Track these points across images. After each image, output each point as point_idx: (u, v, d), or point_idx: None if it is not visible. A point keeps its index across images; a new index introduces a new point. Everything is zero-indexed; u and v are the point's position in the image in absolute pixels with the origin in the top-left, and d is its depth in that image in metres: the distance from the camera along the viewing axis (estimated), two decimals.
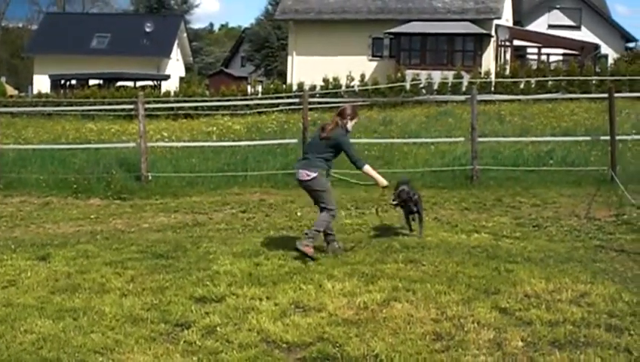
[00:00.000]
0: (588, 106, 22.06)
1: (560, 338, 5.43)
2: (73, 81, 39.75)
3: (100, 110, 24.29)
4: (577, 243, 8.72)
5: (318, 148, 8.16)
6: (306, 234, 7.93)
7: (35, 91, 41.42)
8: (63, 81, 40.21)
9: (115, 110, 24.05)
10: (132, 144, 15.43)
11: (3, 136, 16.60)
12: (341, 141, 8.09)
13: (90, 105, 24.62)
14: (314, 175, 8.03)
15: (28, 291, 6.88)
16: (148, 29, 49.11)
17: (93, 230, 10.08)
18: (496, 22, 34.66)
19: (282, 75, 40.61)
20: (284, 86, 31.26)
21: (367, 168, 8.22)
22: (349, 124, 8.19)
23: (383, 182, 8.24)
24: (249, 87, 36.33)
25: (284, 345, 5.42)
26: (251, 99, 26.28)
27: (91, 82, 38.35)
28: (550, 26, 40.75)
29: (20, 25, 73.15)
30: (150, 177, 13.95)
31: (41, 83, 43.02)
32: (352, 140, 15.79)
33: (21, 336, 5.65)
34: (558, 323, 5.72)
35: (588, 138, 15.02)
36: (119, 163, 14.55)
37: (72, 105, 24.71)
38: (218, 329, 5.71)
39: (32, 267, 7.77)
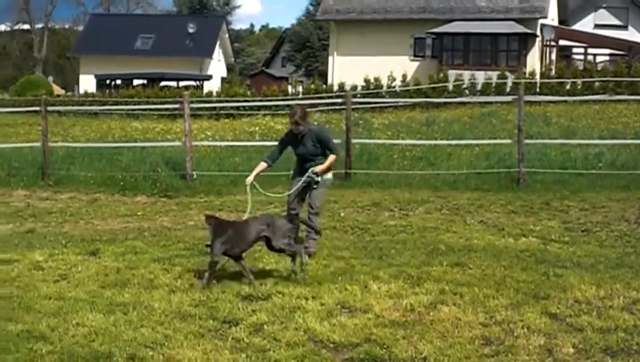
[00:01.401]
0: (637, 108, 21.63)
1: (612, 345, 5.34)
2: (118, 81, 40.27)
3: (145, 109, 24.57)
4: (628, 248, 8.57)
5: None
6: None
7: (81, 91, 42.08)
8: (108, 81, 40.78)
9: (159, 109, 24.29)
10: (177, 143, 15.60)
11: (52, 134, 16.89)
12: None
13: (134, 104, 24.92)
14: None
15: (79, 285, 7.01)
16: (191, 30, 49.54)
17: (141, 227, 10.21)
18: (541, 21, 34.23)
19: (323, 76, 40.63)
20: (324, 86, 31.26)
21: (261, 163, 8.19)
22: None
23: (248, 179, 7.98)
24: (290, 88, 36.44)
25: (331, 345, 5.42)
26: (292, 100, 26.32)
27: (135, 82, 38.84)
28: (596, 26, 40.09)
29: (67, 26, 74.43)
30: (195, 176, 14.09)
31: (87, 83, 43.68)
32: (395, 141, 15.99)
33: (73, 329, 5.75)
34: (610, 330, 5.62)
35: (638, 141, 14.74)
36: (165, 161, 14.76)
37: (117, 105, 25.02)
38: (265, 327, 5.74)
39: (82, 262, 7.92)
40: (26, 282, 7.12)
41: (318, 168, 8.08)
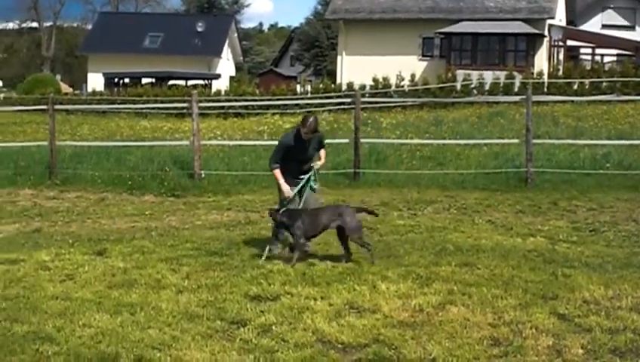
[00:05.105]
0: None
1: (621, 346, 5.31)
2: (126, 80, 40.32)
3: (153, 108, 24.58)
4: (636, 248, 8.54)
5: None
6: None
7: (89, 89, 42.14)
8: (116, 80, 40.82)
9: (167, 108, 24.29)
10: (185, 142, 15.59)
11: (59, 133, 16.92)
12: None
13: (143, 103, 24.92)
14: None
15: (86, 285, 6.97)
16: (199, 29, 49.59)
17: (148, 226, 10.20)
18: (549, 21, 34.14)
19: (331, 75, 40.58)
20: (333, 85, 31.22)
21: (275, 172, 8.19)
22: (301, 132, 8.11)
23: (285, 191, 8.11)
24: (298, 87, 36.41)
25: (340, 346, 5.40)
26: (301, 99, 26.28)
27: (144, 81, 38.86)
28: (604, 26, 39.97)
29: (75, 24, 74.63)
30: (203, 175, 14.08)
31: (95, 81, 43.73)
32: (403, 141, 15.96)
33: (80, 330, 5.72)
34: (619, 330, 5.60)
35: None
36: (173, 160, 14.76)
37: (125, 103, 25.04)
38: (273, 327, 5.71)
39: (89, 262, 7.88)
40: (32, 282, 7.09)
41: (320, 165, 8.36)
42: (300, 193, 8.27)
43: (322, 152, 8.45)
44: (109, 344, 5.42)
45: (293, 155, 8.17)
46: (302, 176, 8.27)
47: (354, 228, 7.70)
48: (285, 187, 8.08)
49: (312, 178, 8.27)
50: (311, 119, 8.05)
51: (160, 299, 6.44)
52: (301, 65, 59.82)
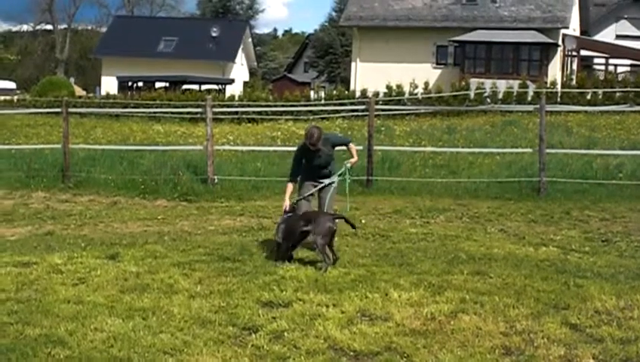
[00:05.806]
0: None
1: (632, 356, 5.29)
2: (140, 83, 40.43)
3: (166, 112, 24.66)
4: None
5: None
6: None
7: (102, 92, 42.32)
8: (130, 83, 40.95)
9: (180, 113, 24.40)
10: (199, 147, 15.63)
11: (72, 135, 17.00)
12: None
13: (156, 107, 25.03)
14: None
15: (98, 289, 6.98)
16: (214, 34, 49.78)
17: (161, 231, 10.22)
18: (563, 31, 34.12)
19: (345, 82, 40.64)
20: (346, 92, 31.28)
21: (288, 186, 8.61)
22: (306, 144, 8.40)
23: (284, 205, 8.50)
24: (312, 93, 36.47)
25: (352, 353, 5.39)
26: (315, 105, 26.32)
27: (158, 85, 38.99)
28: (618, 36, 39.91)
29: (89, 27, 75.01)
30: (216, 180, 14.10)
31: (109, 84, 43.96)
32: (416, 148, 15.97)
33: (91, 334, 5.72)
34: (630, 341, 5.57)
35: None
36: (186, 165, 14.77)
37: (139, 107, 25.13)
38: (285, 334, 5.71)
39: (101, 265, 7.89)
40: (45, 285, 7.11)
41: (352, 163, 8.77)
42: (320, 193, 8.64)
43: (352, 148, 8.84)
44: (120, 348, 5.43)
45: (310, 163, 8.49)
46: (321, 181, 8.58)
47: (317, 233, 7.76)
48: (285, 202, 8.50)
49: (346, 175, 8.74)
50: (312, 130, 8.29)
51: (172, 304, 6.44)
52: (315, 71, 59.90)
